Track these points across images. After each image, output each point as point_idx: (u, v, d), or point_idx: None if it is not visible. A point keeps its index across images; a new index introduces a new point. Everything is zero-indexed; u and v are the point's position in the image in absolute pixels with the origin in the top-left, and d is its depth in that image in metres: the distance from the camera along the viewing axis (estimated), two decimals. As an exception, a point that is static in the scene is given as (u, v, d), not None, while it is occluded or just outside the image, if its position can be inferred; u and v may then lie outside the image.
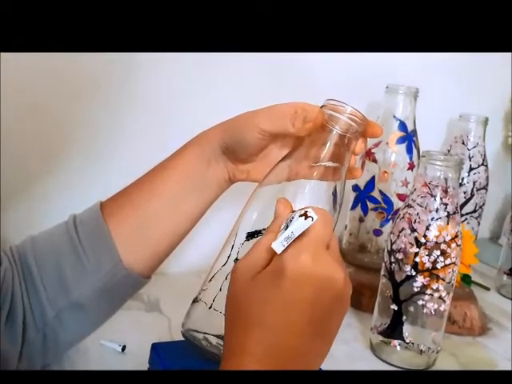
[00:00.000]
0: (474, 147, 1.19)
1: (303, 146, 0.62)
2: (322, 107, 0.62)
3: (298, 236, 0.49)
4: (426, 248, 0.80)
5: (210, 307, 0.59)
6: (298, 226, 0.49)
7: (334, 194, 0.61)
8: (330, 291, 0.49)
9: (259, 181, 0.64)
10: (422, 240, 0.80)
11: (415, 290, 0.81)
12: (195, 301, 0.62)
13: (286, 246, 0.49)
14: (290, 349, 0.48)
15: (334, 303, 0.50)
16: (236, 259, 0.59)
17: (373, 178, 1.08)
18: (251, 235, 0.59)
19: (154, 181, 0.67)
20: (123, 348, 0.79)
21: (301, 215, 0.49)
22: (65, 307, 0.64)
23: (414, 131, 1.08)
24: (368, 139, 0.65)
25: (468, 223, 1.20)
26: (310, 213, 0.49)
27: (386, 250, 0.85)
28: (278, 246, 0.49)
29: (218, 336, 0.58)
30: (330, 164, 0.61)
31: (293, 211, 0.54)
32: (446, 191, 0.80)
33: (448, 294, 0.82)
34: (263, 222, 0.58)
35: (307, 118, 0.61)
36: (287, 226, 0.50)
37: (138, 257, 0.66)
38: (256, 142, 0.65)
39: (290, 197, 0.58)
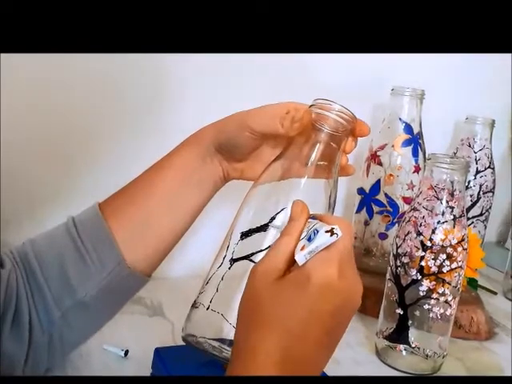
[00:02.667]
0: (481, 150, 1.18)
1: (294, 145, 0.62)
2: (310, 106, 0.62)
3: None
4: (431, 252, 0.79)
5: (207, 308, 0.59)
6: (323, 241, 0.49)
7: (327, 192, 0.61)
8: (351, 304, 0.50)
9: (253, 179, 0.65)
10: (428, 244, 0.79)
11: (421, 294, 0.81)
12: (194, 305, 0.62)
13: (309, 258, 0.49)
14: (303, 356, 0.48)
15: (349, 315, 0.51)
16: (231, 259, 0.60)
17: (378, 181, 1.08)
18: (245, 234, 0.60)
19: (152, 179, 0.68)
20: (126, 353, 0.79)
21: (327, 231, 0.49)
22: (70, 307, 0.64)
23: (420, 134, 1.07)
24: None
25: (474, 227, 1.19)
26: (336, 230, 0.49)
27: (391, 254, 0.85)
28: (301, 259, 0.49)
29: (218, 338, 0.58)
30: (321, 163, 0.61)
31: (311, 216, 0.54)
32: (452, 194, 0.79)
33: (454, 298, 0.82)
34: (258, 221, 0.59)
35: (295, 118, 0.62)
36: (310, 237, 0.50)
37: (139, 255, 0.67)
38: (247, 141, 0.66)
39: (285, 196, 0.59)
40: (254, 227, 0.59)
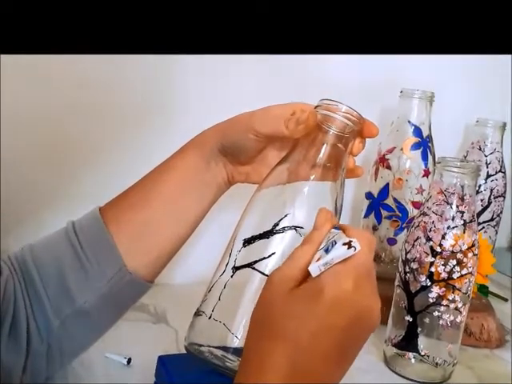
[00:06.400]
0: (492, 153, 1.17)
1: (300, 147, 0.61)
2: (316, 108, 0.61)
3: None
4: (441, 257, 0.79)
5: (209, 317, 0.58)
6: (339, 254, 0.48)
7: (334, 195, 0.60)
8: (364, 322, 0.48)
9: (258, 182, 0.64)
10: (438, 249, 0.79)
11: (430, 300, 0.80)
12: (197, 313, 0.61)
13: (323, 270, 0.48)
14: (312, 371, 0.47)
15: (364, 333, 0.49)
16: (234, 267, 0.59)
17: (387, 186, 1.07)
18: (248, 241, 0.59)
19: (154, 183, 0.67)
20: (129, 361, 0.78)
21: (344, 243, 0.48)
22: (69, 315, 0.63)
23: (430, 137, 1.06)
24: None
25: (485, 232, 1.18)
26: (354, 243, 0.48)
27: (400, 260, 0.84)
28: (315, 270, 0.48)
29: (221, 348, 0.57)
30: (328, 165, 0.60)
31: (335, 226, 0.53)
32: (462, 199, 0.79)
33: (464, 305, 0.81)
34: (263, 226, 0.58)
35: (300, 120, 0.60)
36: (327, 248, 0.50)
37: (141, 261, 0.66)
38: (252, 144, 0.65)
39: (290, 200, 0.58)
40: (257, 234, 0.58)
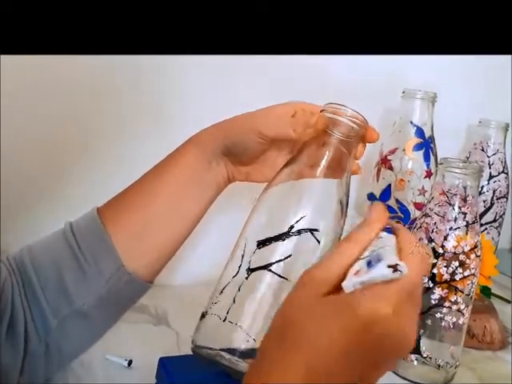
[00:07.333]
0: (494, 154, 1.17)
1: (305, 150, 0.61)
2: (321, 111, 0.61)
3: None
4: (444, 259, 0.78)
5: (224, 320, 0.57)
6: (382, 275, 0.44)
7: (340, 197, 0.60)
8: (398, 347, 0.45)
9: (258, 181, 0.65)
10: (440, 250, 0.78)
11: (433, 302, 0.80)
12: (204, 315, 0.60)
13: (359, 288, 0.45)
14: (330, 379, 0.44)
15: (395, 359, 0.47)
16: (248, 269, 0.58)
17: (389, 187, 1.06)
18: (262, 243, 0.58)
19: (153, 183, 0.67)
20: (129, 363, 0.78)
21: (389, 266, 0.44)
22: (68, 316, 0.63)
23: (432, 137, 1.06)
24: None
25: (488, 233, 1.18)
26: (401, 267, 0.44)
27: (402, 261, 0.83)
28: (349, 287, 0.44)
29: (232, 350, 0.56)
30: (333, 168, 0.60)
31: (387, 228, 0.50)
32: (464, 200, 0.78)
33: (467, 306, 0.81)
34: (272, 226, 0.57)
35: (309, 124, 0.60)
36: (369, 262, 0.45)
37: (140, 261, 0.66)
38: (257, 146, 0.65)
39: (296, 202, 0.58)
40: (272, 236, 0.57)
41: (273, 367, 0.44)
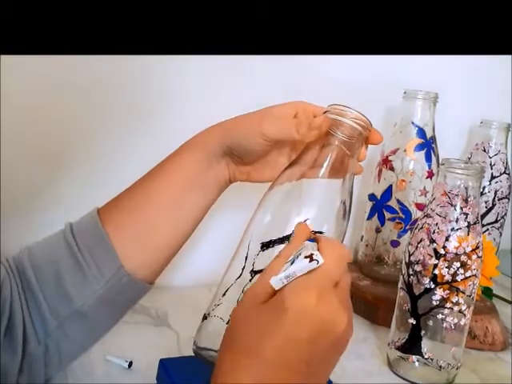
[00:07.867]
0: (496, 155, 1.17)
1: (310, 151, 0.61)
2: (325, 112, 0.61)
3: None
4: (445, 260, 0.78)
5: (227, 322, 0.57)
6: (301, 267, 0.48)
7: (343, 199, 0.60)
8: (329, 334, 0.48)
9: (259, 181, 0.66)
10: (442, 251, 0.78)
11: (434, 303, 0.79)
12: (207, 317, 0.60)
13: (286, 283, 0.48)
14: None
15: (332, 346, 0.48)
16: (252, 271, 0.58)
17: (390, 187, 1.06)
18: (266, 245, 0.58)
19: (153, 184, 0.67)
20: (130, 364, 0.78)
21: (306, 256, 0.48)
22: (67, 317, 0.63)
23: (433, 138, 1.06)
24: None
25: (489, 234, 1.18)
26: (317, 256, 0.48)
27: (403, 262, 0.84)
28: (277, 283, 0.48)
29: None
30: (336, 169, 0.60)
31: (310, 238, 0.53)
32: (466, 200, 0.78)
33: (468, 307, 0.81)
34: (275, 228, 0.57)
35: (312, 125, 0.60)
36: (293, 261, 0.49)
37: (140, 262, 0.65)
38: (260, 147, 0.65)
39: (299, 204, 0.58)
40: (276, 238, 0.57)
41: (226, 378, 0.47)
